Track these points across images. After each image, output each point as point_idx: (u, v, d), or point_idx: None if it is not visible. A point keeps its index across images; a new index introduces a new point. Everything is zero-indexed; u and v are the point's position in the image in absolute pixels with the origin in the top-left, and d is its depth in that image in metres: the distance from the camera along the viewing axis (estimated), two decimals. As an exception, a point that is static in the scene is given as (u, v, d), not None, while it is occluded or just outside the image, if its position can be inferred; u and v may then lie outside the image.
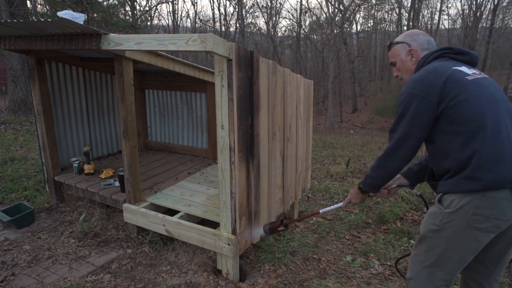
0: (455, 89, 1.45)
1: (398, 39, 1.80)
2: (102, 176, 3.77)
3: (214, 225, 2.74)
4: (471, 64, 1.63)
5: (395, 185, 1.90)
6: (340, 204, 2.07)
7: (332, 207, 2.17)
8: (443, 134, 1.51)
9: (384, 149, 1.63)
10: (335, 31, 23.75)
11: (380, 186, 1.78)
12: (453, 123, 1.46)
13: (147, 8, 22.51)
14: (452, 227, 1.48)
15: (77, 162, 3.94)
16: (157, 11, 29.81)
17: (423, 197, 1.85)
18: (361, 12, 32.33)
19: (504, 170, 1.37)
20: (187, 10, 54.91)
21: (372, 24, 34.55)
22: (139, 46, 2.25)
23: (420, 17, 28.10)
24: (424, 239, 1.60)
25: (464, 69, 1.54)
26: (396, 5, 29.08)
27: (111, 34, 2.45)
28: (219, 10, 52.71)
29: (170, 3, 26.10)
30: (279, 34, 34.71)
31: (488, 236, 1.46)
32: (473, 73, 1.54)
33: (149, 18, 22.29)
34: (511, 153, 1.39)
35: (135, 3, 19.52)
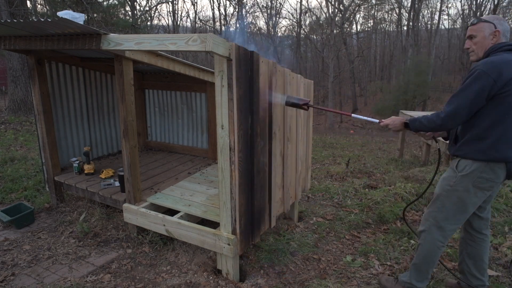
0: None
1: (487, 18, 1.98)
2: (102, 176, 3.77)
3: (214, 225, 2.74)
4: None
5: (432, 135, 2.24)
6: (376, 120, 2.32)
7: (366, 118, 2.46)
8: (486, 110, 1.86)
9: (444, 109, 1.92)
10: (335, 31, 23.76)
11: (422, 131, 2.11)
12: (497, 105, 1.84)
13: (147, 8, 22.53)
14: (462, 186, 1.97)
15: (77, 162, 3.94)
16: (157, 11, 29.82)
17: (440, 154, 2.27)
18: (361, 12, 32.38)
19: (505, 152, 1.87)
20: (187, 10, 55.01)
21: (372, 24, 34.58)
22: (139, 46, 2.25)
23: (420, 17, 28.12)
24: (438, 198, 2.07)
25: None
26: (396, 5, 29.10)
27: (111, 34, 2.45)
28: (219, 10, 52.66)
29: (170, 3, 26.12)
30: (279, 34, 34.72)
31: (485, 194, 1.98)
32: None
33: (149, 18, 22.32)
34: None
35: (135, 3, 19.53)
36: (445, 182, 2.06)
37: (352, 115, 2.54)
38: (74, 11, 5.60)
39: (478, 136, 1.91)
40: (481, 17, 2.00)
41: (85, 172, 3.90)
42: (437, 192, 2.10)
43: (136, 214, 3.02)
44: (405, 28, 28.78)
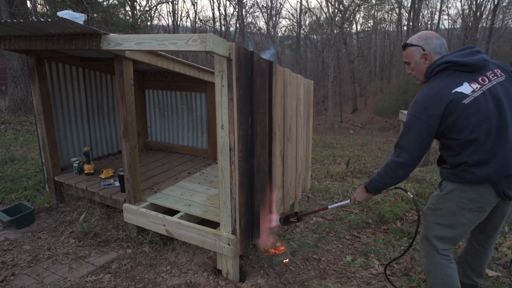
0: (453, 115, 1.72)
1: (413, 41, 1.92)
2: (102, 176, 3.77)
3: (214, 225, 2.74)
4: (477, 70, 1.77)
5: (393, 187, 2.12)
6: (347, 201, 2.37)
7: (339, 204, 2.57)
8: (445, 140, 1.83)
9: (391, 161, 1.90)
10: (335, 31, 23.76)
11: (383, 189, 2.09)
12: (451, 138, 1.78)
13: (147, 8, 22.52)
14: (446, 206, 1.90)
15: (77, 162, 3.94)
16: (157, 11, 29.82)
17: (415, 201, 2.24)
18: (361, 12, 32.35)
19: (483, 172, 1.74)
20: (187, 10, 54.92)
21: (372, 24, 34.56)
22: (139, 46, 2.25)
23: (420, 17, 28.11)
24: (425, 217, 2.03)
25: (464, 89, 1.73)
26: (396, 5, 29.09)
27: (111, 34, 2.45)
28: (219, 10, 52.65)
29: (170, 3, 26.11)
30: (279, 34, 34.71)
31: (475, 215, 1.85)
32: (472, 91, 1.73)
33: (149, 18, 22.31)
34: (501, 155, 1.72)
35: (135, 3, 19.53)
36: (430, 201, 2.03)
37: (329, 206, 2.66)
38: (74, 11, 5.60)
39: (450, 162, 1.86)
40: (407, 42, 1.94)
41: (85, 172, 3.90)
42: (424, 210, 2.07)
43: (136, 214, 3.02)
44: (405, 28, 28.77)
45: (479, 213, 1.84)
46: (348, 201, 2.33)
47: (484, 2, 25.27)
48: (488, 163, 1.72)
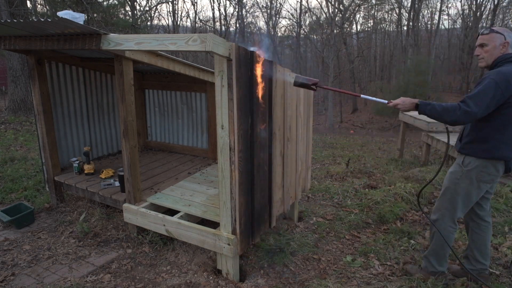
0: None
1: (498, 29, 2.18)
2: (102, 176, 3.77)
3: (214, 225, 2.74)
4: None
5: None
6: (386, 101, 2.37)
7: (375, 99, 2.53)
8: (497, 115, 2.10)
9: (461, 107, 2.04)
10: (335, 31, 23.77)
11: (430, 117, 2.20)
12: (503, 113, 2.08)
13: (147, 8, 22.53)
14: (468, 180, 2.25)
15: (77, 162, 3.94)
16: (157, 11, 29.80)
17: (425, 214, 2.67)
18: (361, 12, 32.36)
19: (506, 152, 2.14)
20: (187, 10, 54.94)
21: (372, 24, 34.56)
22: (139, 46, 2.25)
23: (420, 17, 28.12)
24: (447, 190, 2.34)
25: None
26: (396, 5, 29.10)
27: (111, 34, 2.45)
28: (219, 10, 52.72)
29: (170, 3, 26.11)
30: (279, 34, 34.72)
31: (486, 186, 2.27)
32: None
33: (149, 18, 22.31)
34: None
35: (135, 3, 19.53)
36: (452, 176, 2.32)
37: (361, 95, 2.62)
38: (74, 11, 5.60)
39: (484, 137, 2.16)
40: (493, 28, 2.18)
41: (85, 172, 3.90)
42: (446, 184, 2.36)
43: (136, 214, 3.02)
44: (405, 28, 28.77)
45: (488, 185, 2.26)
46: (386, 101, 2.36)
47: (484, 2, 25.28)
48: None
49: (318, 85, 2.45)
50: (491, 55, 2.16)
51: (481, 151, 2.18)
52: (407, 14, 28.76)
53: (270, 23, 31.62)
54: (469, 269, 2.48)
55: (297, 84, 2.47)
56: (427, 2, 29.31)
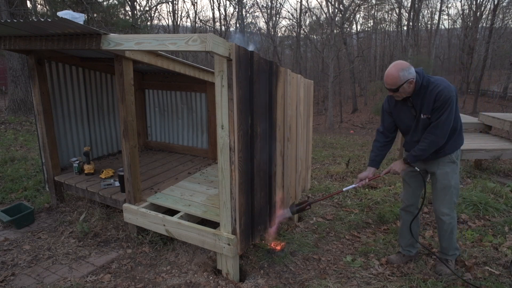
0: None
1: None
2: (102, 176, 3.77)
3: (214, 225, 2.74)
4: None
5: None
6: (384, 172, 2.70)
7: (351, 186, 2.92)
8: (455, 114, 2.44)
9: (440, 135, 2.34)
10: (335, 31, 23.77)
11: (421, 158, 2.48)
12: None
13: (147, 8, 22.53)
14: (458, 170, 2.57)
15: (77, 162, 3.93)
16: (157, 11, 29.81)
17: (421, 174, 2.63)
18: (361, 12, 32.34)
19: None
20: (187, 10, 54.90)
21: (372, 24, 34.55)
22: (139, 46, 2.25)
23: (420, 17, 28.10)
24: (454, 187, 2.53)
25: None
26: (396, 5, 29.08)
27: (111, 34, 2.45)
28: (219, 10, 52.75)
29: (170, 3, 26.11)
30: (279, 34, 34.71)
31: None
32: None
33: (149, 18, 22.31)
34: None
35: (135, 3, 19.53)
36: (451, 173, 2.52)
37: (344, 189, 2.89)
38: (74, 11, 5.60)
39: (456, 131, 2.46)
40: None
41: (85, 172, 3.90)
42: (450, 183, 2.52)
43: (136, 214, 3.02)
44: (405, 28, 28.73)
45: None
46: (381, 173, 2.74)
47: (484, 2, 25.27)
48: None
49: (309, 202, 2.93)
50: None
51: (458, 142, 2.51)
52: (407, 14, 28.74)
53: (270, 23, 31.62)
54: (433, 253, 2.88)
55: (294, 213, 3.04)
56: (427, 2, 29.30)
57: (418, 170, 2.56)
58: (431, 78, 2.38)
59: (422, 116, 2.40)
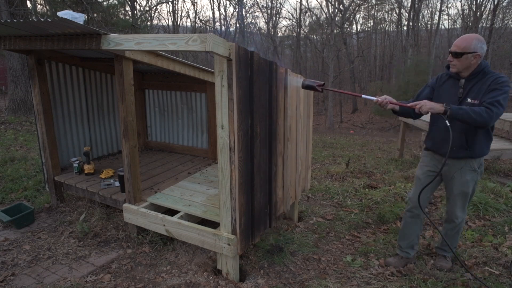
0: None
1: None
2: (102, 176, 3.77)
3: (214, 225, 2.74)
4: None
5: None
6: (410, 104, 2.36)
7: (371, 98, 2.49)
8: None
9: (493, 111, 2.14)
10: (335, 31, 23.77)
11: (460, 121, 2.26)
12: None
13: (147, 8, 22.52)
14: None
15: (77, 162, 3.93)
16: (157, 11, 29.78)
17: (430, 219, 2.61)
18: (361, 12, 32.30)
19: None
20: (187, 10, 54.80)
21: (372, 24, 34.52)
22: (139, 46, 2.25)
23: (420, 17, 28.10)
24: (470, 195, 2.58)
25: None
26: (396, 5, 29.06)
27: (111, 34, 2.45)
28: (219, 10, 52.71)
29: (170, 3, 26.09)
30: (279, 34, 34.70)
31: None
32: None
33: (149, 18, 22.30)
34: None
35: (135, 3, 19.52)
36: (471, 182, 2.51)
37: (363, 96, 2.70)
38: (74, 11, 5.60)
39: (489, 135, 2.41)
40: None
41: (85, 172, 3.90)
42: (468, 191, 2.54)
43: (136, 214, 3.02)
44: (405, 28, 28.72)
45: None
46: (410, 104, 2.36)
47: (484, 2, 25.26)
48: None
49: (323, 88, 2.62)
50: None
51: (487, 148, 2.43)
52: (407, 14, 28.73)
53: (270, 23, 31.62)
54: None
55: (304, 86, 2.66)
56: (427, 2, 29.28)
57: (446, 121, 2.21)
58: (492, 71, 2.35)
59: (468, 99, 2.31)
